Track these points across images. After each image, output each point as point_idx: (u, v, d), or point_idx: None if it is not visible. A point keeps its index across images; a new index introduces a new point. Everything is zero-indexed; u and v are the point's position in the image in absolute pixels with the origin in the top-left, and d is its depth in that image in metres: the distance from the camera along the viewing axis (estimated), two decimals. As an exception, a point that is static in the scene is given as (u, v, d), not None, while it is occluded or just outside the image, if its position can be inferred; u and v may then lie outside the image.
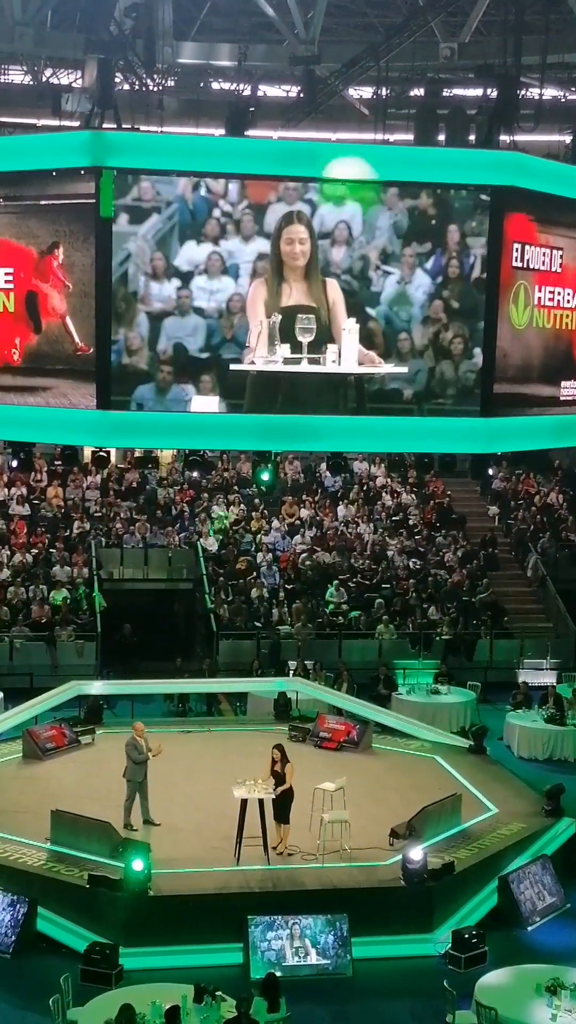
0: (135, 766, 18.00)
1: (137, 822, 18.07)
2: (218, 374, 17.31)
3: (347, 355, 17.42)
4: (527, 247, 18.01)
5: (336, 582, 29.54)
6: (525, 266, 18.04)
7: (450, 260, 17.61)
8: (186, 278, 17.06)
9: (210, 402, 17.33)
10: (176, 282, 17.07)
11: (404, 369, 17.69)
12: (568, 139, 33.81)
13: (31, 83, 34.95)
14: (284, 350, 17.16)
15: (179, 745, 21.30)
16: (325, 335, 17.36)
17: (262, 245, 17.17)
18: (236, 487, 33.19)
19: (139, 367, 17.09)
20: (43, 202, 17.12)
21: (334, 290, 17.34)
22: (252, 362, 17.19)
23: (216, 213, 16.99)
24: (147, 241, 16.92)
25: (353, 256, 17.38)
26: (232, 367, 17.24)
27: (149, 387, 17.16)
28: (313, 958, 15.52)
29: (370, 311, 17.54)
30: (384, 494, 34.05)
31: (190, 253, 17.07)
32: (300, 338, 17.18)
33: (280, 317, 17.10)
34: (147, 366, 17.12)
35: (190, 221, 17.02)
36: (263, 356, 17.16)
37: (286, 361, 17.20)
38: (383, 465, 34.58)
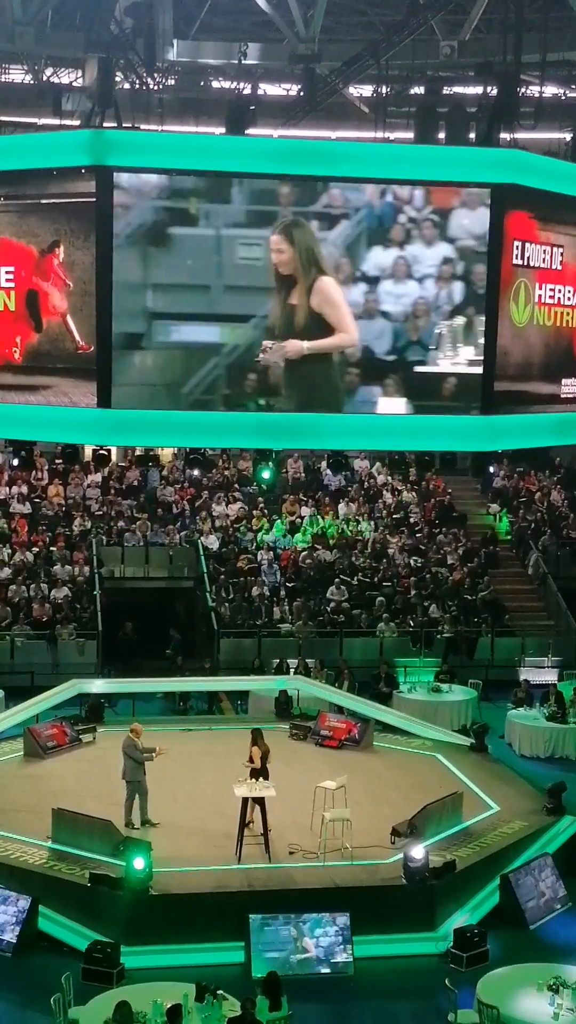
0: (134, 766, 18.00)
1: (137, 821, 18.06)
2: (404, 376, 17.54)
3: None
4: (527, 245, 18.02)
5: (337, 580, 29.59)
6: (525, 264, 18.04)
7: None
8: (373, 282, 17.29)
9: (396, 404, 17.60)
10: (363, 286, 17.31)
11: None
12: (568, 136, 33.87)
13: (31, 82, 34.95)
14: (468, 352, 17.36)
15: (180, 743, 21.30)
16: (311, 328, 17.33)
17: (445, 250, 17.47)
18: (237, 485, 33.19)
19: None
20: (44, 201, 17.15)
21: (324, 289, 17.32)
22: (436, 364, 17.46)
23: (402, 219, 17.18)
24: (337, 247, 17.12)
25: None
26: (416, 369, 17.36)
27: None
28: (315, 957, 15.51)
29: None
30: (385, 492, 34.04)
31: (377, 258, 17.33)
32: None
33: (463, 320, 17.26)
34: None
35: (377, 227, 17.28)
36: (448, 358, 17.50)
37: (470, 363, 17.52)
38: (385, 463, 34.55)
